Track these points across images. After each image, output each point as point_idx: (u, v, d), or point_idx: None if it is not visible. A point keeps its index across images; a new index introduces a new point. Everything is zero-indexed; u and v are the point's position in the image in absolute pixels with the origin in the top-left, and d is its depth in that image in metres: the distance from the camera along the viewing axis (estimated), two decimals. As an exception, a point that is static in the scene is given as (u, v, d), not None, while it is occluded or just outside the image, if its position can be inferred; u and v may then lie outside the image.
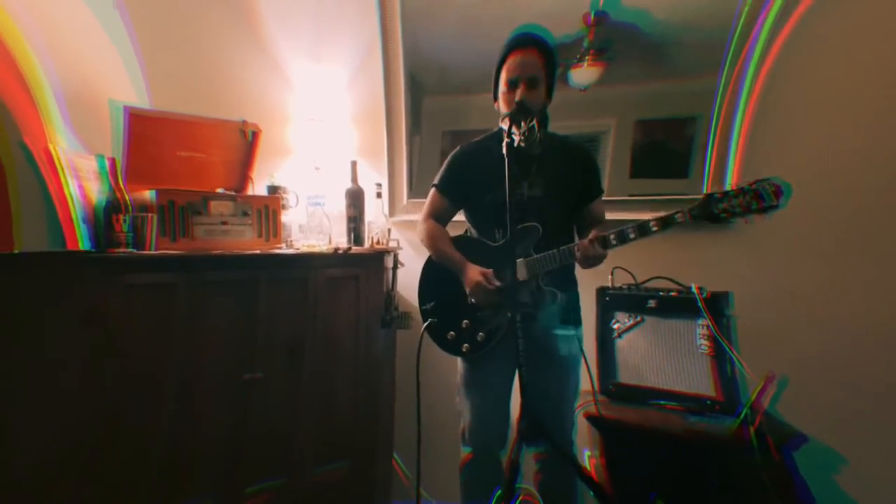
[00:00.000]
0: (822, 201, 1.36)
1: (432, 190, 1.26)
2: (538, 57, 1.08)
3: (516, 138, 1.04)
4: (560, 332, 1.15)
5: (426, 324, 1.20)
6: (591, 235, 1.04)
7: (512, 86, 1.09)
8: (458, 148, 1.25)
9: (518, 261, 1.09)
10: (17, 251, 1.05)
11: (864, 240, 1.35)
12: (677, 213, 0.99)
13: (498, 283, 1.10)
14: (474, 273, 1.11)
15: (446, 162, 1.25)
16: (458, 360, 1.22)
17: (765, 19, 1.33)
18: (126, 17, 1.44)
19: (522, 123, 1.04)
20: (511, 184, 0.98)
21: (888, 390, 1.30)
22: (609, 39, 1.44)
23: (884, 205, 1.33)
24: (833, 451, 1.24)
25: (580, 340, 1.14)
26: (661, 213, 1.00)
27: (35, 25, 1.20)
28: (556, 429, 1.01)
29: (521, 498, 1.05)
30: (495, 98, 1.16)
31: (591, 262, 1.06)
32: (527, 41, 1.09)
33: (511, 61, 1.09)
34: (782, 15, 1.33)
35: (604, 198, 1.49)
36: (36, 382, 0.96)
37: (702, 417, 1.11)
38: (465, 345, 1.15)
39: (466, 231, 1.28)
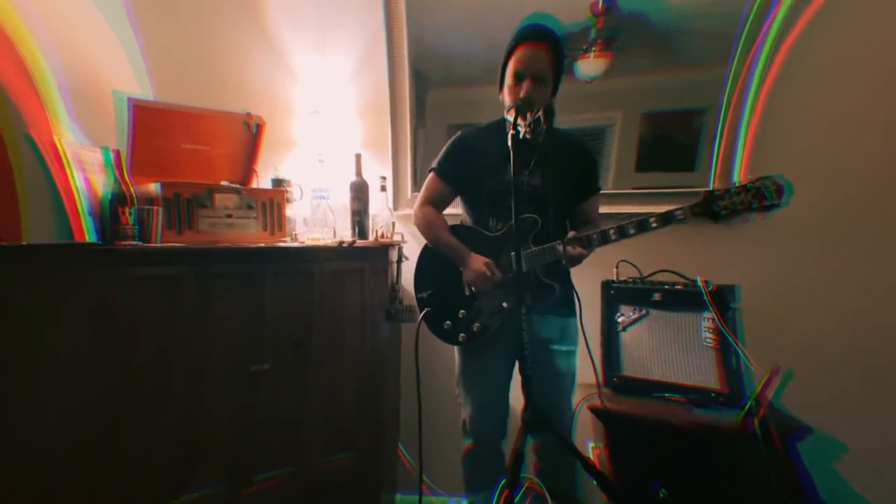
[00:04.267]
0: (829, 195, 1.35)
1: (430, 174, 1.23)
2: (547, 52, 1.06)
3: (522, 130, 1.04)
4: (556, 323, 1.15)
5: (423, 313, 1.20)
6: (570, 234, 1.04)
7: (518, 79, 1.07)
8: (458, 133, 1.22)
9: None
10: (24, 243, 1.05)
11: (870, 233, 1.34)
12: (678, 209, 0.97)
13: (501, 275, 1.09)
14: (477, 263, 1.11)
15: (446, 146, 1.22)
16: (456, 351, 1.23)
17: (779, 8, 1.31)
18: (129, 8, 1.43)
19: (528, 115, 1.03)
20: (515, 175, 0.97)
21: (893, 382, 1.30)
22: (617, 29, 1.42)
23: (891, 199, 1.32)
24: (836, 442, 1.25)
25: (575, 331, 1.14)
26: (662, 210, 0.99)
27: (38, 17, 1.20)
28: (557, 418, 1.01)
29: (525, 486, 1.06)
30: (501, 88, 1.14)
31: (575, 261, 1.05)
32: (537, 35, 1.07)
33: (519, 54, 1.07)
34: (798, 4, 1.31)
35: (610, 191, 1.48)
36: (44, 374, 0.97)
37: (706, 409, 1.11)
38: (462, 334, 1.15)
39: (462, 221, 1.27)
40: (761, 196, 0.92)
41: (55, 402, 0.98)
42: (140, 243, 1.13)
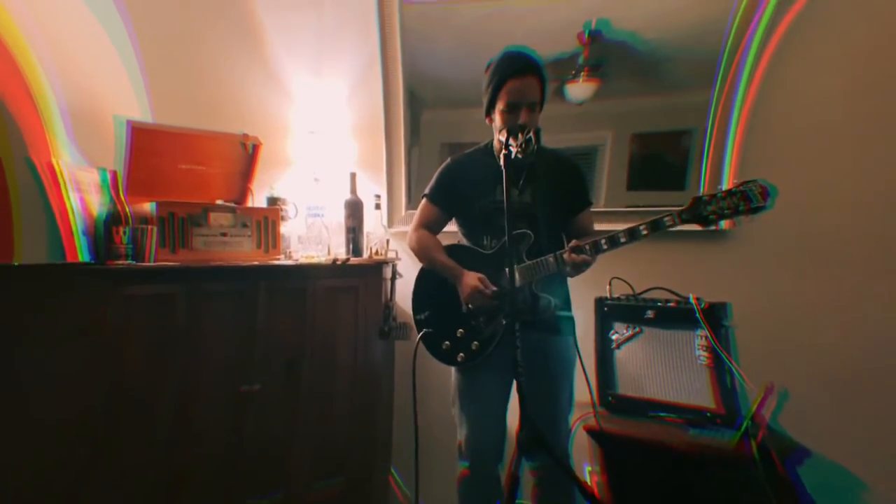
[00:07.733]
0: (817, 211, 1.37)
1: (423, 201, 1.28)
2: (536, 82, 1.12)
3: (514, 150, 1.07)
4: (554, 340, 1.15)
5: (421, 333, 1.20)
6: (572, 243, 1.06)
7: (513, 109, 1.12)
8: (447, 160, 1.28)
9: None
10: (16, 263, 1.05)
11: (861, 249, 1.35)
12: (666, 216, 1.00)
13: (495, 288, 1.10)
14: (471, 279, 1.12)
15: (436, 174, 1.27)
16: (452, 371, 1.22)
17: (753, 35, 1.38)
18: (131, 33, 1.48)
19: (520, 135, 1.06)
20: (508, 193, 0.99)
21: (888, 399, 1.29)
22: (603, 56, 1.48)
23: (879, 214, 1.34)
24: (835, 465, 1.23)
25: (576, 347, 1.14)
26: (651, 218, 1.01)
27: (42, 41, 1.23)
28: (553, 439, 0.99)
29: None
30: (487, 114, 1.19)
31: (578, 268, 1.06)
32: (526, 69, 1.12)
33: (511, 87, 1.11)
34: (770, 31, 1.38)
35: (602, 209, 1.50)
36: (34, 393, 0.96)
37: (702, 430, 1.10)
38: (461, 354, 1.15)
39: (458, 240, 1.29)
40: (747, 199, 0.95)
41: (42, 421, 0.96)
42: (133, 262, 1.13)
